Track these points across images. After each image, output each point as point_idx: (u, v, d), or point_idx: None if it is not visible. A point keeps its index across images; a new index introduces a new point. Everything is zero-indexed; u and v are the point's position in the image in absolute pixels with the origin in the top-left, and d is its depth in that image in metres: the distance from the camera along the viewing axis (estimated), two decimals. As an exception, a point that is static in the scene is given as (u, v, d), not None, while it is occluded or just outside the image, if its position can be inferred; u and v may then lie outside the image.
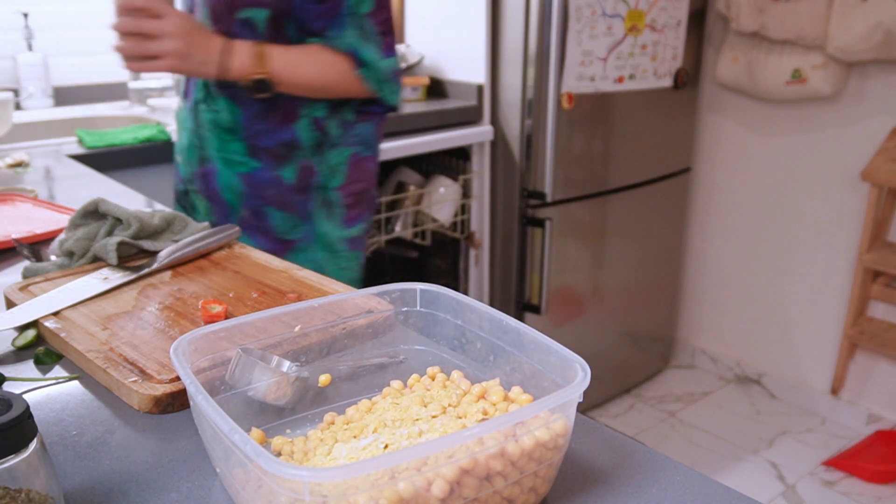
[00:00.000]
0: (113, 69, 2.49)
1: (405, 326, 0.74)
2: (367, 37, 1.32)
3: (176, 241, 1.05)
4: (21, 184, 1.53)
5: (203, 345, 0.64)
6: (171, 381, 0.72)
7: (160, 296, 0.92)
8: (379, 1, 1.33)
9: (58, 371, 0.78)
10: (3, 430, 0.45)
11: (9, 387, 0.75)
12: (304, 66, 1.31)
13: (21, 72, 2.30)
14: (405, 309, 0.73)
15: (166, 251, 1.00)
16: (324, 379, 0.70)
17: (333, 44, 1.32)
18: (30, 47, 2.32)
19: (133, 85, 2.41)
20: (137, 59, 1.24)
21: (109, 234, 1.03)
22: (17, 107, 2.28)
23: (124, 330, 0.83)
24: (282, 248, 1.42)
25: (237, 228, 1.10)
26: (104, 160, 1.84)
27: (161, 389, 0.71)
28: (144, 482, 0.60)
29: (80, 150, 1.86)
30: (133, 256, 1.03)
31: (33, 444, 0.47)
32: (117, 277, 0.95)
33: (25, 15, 2.29)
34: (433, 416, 0.61)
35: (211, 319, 0.84)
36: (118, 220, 1.04)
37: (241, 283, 0.96)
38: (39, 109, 2.33)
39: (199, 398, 0.54)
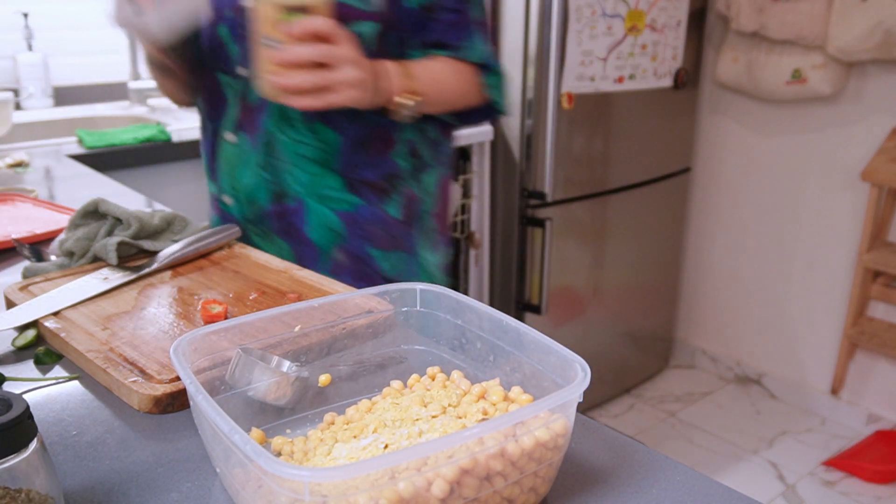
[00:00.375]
0: (113, 69, 2.49)
1: (405, 326, 0.74)
2: (486, 44, 1.23)
3: (176, 241, 1.05)
4: (21, 184, 1.53)
5: (203, 345, 0.64)
6: (171, 381, 0.72)
7: (160, 296, 0.92)
8: (482, 4, 1.24)
9: (58, 371, 0.78)
10: (3, 430, 0.45)
11: (9, 387, 0.75)
12: (444, 81, 1.19)
13: (21, 72, 2.30)
14: (405, 309, 0.73)
15: (166, 251, 1.00)
16: (324, 379, 0.70)
17: (464, 54, 1.20)
18: (30, 47, 2.32)
19: (133, 85, 2.42)
20: (312, 95, 1.01)
21: (109, 234, 1.03)
22: (17, 107, 2.28)
23: (124, 330, 0.83)
24: None
25: (237, 228, 1.10)
26: (104, 160, 1.84)
27: (161, 389, 0.71)
28: (144, 482, 0.60)
29: (80, 150, 1.86)
30: (133, 256, 1.03)
31: (33, 444, 0.47)
32: (117, 277, 0.95)
33: (25, 15, 2.29)
34: (433, 416, 0.61)
35: (211, 319, 0.84)
36: (118, 220, 1.04)
37: (241, 283, 0.96)
38: (39, 109, 2.33)
39: (199, 398, 0.54)
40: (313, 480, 0.47)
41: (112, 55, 2.49)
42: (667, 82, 2.62)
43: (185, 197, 2.00)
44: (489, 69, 1.23)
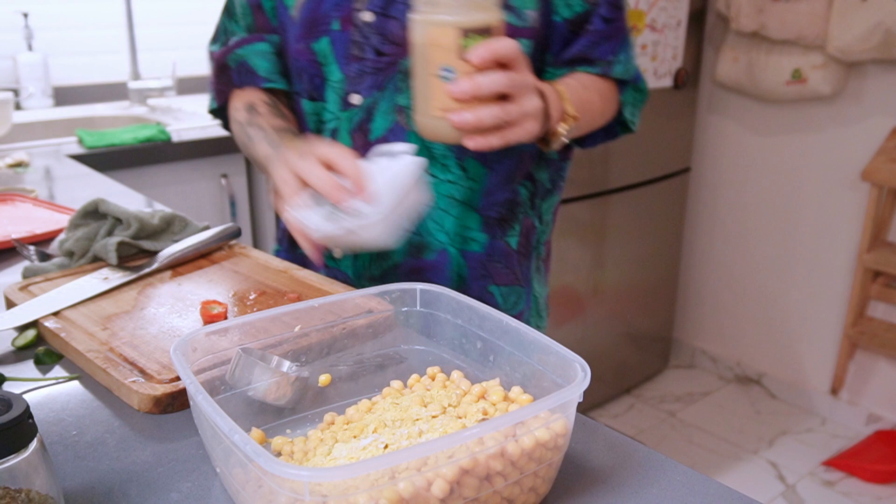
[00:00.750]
0: (113, 69, 2.49)
1: (405, 326, 0.74)
2: (634, 56, 1.10)
3: (176, 241, 1.05)
4: (21, 184, 1.53)
5: (203, 345, 0.64)
6: (171, 381, 0.72)
7: (160, 296, 0.92)
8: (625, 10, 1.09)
9: (58, 371, 0.78)
10: (3, 430, 0.45)
11: (9, 387, 0.75)
12: (590, 102, 1.03)
13: (21, 72, 2.30)
14: (405, 309, 0.73)
15: (166, 251, 1.00)
16: (324, 379, 0.70)
17: (608, 70, 1.04)
18: (30, 47, 2.32)
19: (133, 85, 2.42)
20: (495, 132, 0.83)
21: (109, 234, 1.03)
22: (17, 107, 2.28)
23: (124, 330, 0.83)
24: None
25: (237, 227, 1.09)
26: (104, 160, 1.84)
27: (161, 389, 0.71)
28: (144, 482, 0.60)
29: (80, 150, 1.86)
30: (133, 256, 1.03)
31: (33, 444, 0.47)
32: (117, 277, 0.95)
33: (25, 15, 2.29)
34: (433, 416, 0.61)
35: (211, 319, 0.84)
36: (118, 220, 1.04)
37: (242, 283, 0.96)
38: (39, 109, 2.33)
39: (199, 398, 0.54)
40: (313, 480, 0.47)
41: (112, 55, 2.49)
42: (667, 82, 2.62)
43: (186, 197, 2.00)
44: (631, 85, 1.09)
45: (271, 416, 0.66)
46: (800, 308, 2.83)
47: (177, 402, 0.71)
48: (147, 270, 0.97)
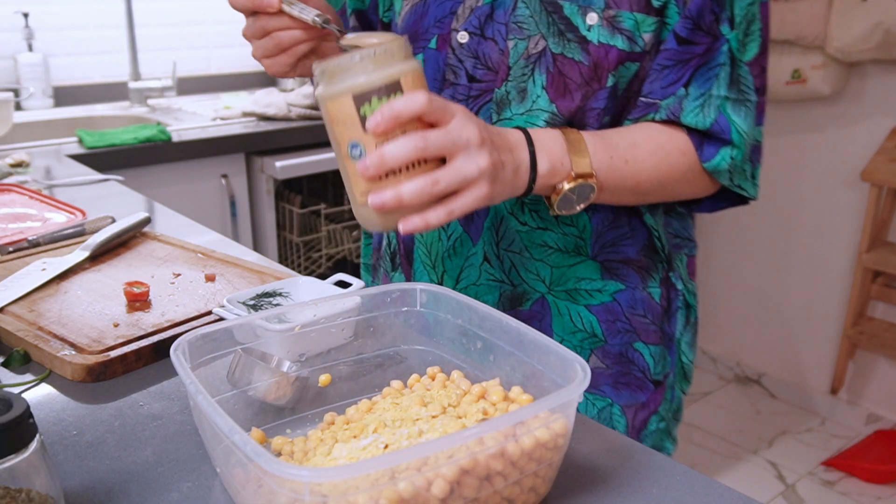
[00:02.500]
0: (113, 69, 2.49)
1: (405, 326, 0.74)
2: (742, 97, 0.85)
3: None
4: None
5: (203, 345, 0.64)
6: (102, 351, 0.77)
7: (82, 281, 0.96)
8: (765, 40, 0.86)
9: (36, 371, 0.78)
10: (4, 430, 0.45)
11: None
12: (638, 159, 0.83)
13: (21, 72, 2.30)
14: (405, 309, 0.73)
15: (89, 241, 1.04)
16: (324, 379, 0.70)
17: (681, 114, 0.84)
18: (30, 47, 2.32)
19: (133, 85, 2.42)
20: (431, 208, 0.68)
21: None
22: (17, 107, 2.28)
23: (51, 311, 0.87)
24: (654, 395, 0.97)
25: (147, 216, 1.12)
26: (104, 160, 1.84)
27: (93, 359, 0.76)
28: (144, 482, 0.60)
29: (80, 150, 1.86)
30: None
31: (33, 444, 0.47)
32: (56, 266, 0.98)
33: (25, 15, 2.29)
34: (433, 416, 0.61)
35: (135, 298, 0.89)
36: None
37: (160, 265, 1.01)
38: (39, 109, 2.33)
39: (199, 398, 0.54)
40: (313, 480, 0.47)
41: (112, 55, 2.49)
42: (667, 82, 2.62)
43: (186, 197, 2.00)
44: (717, 141, 0.85)
45: (271, 416, 0.66)
46: (800, 308, 2.83)
47: (108, 370, 0.76)
48: (84, 257, 1.01)
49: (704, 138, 0.85)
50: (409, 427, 0.59)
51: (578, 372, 0.57)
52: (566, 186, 0.78)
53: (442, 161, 0.69)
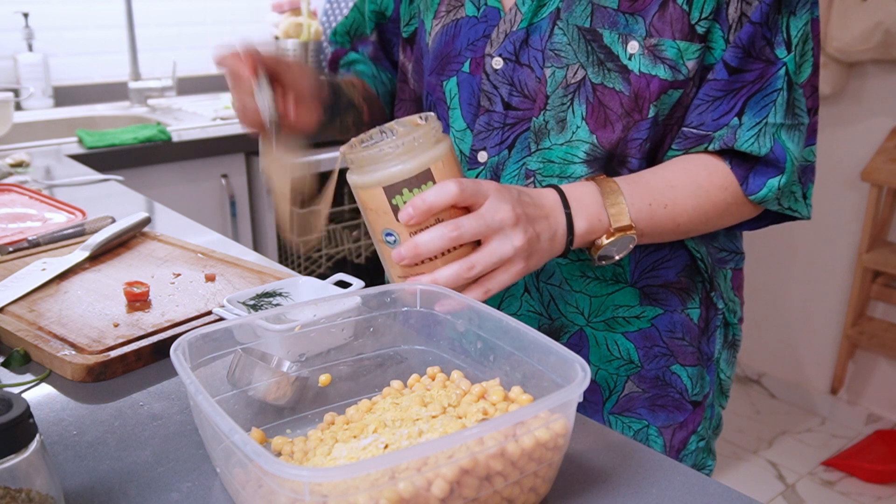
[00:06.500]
0: (113, 69, 2.49)
1: (405, 326, 0.74)
2: (797, 121, 0.82)
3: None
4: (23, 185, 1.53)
5: (203, 345, 0.64)
6: (102, 352, 0.77)
7: (82, 281, 0.96)
8: (817, 58, 0.83)
9: (36, 371, 0.78)
10: (4, 430, 0.45)
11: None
12: (678, 202, 0.81)
13: (21, 72, 2.30)
14: (405, 309, 0.73)
15: (89, 241, 1.04)
16: (324, 379, 0.70)
17: (738, 145, 0.81)
18: (30, 47, 2.32)
19: (133, 85, 2.42)
20: (470, 287, 0.71)
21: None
22: (17, 107, 2.28)
23: (51, 311, 0.87)
24: (692, 416, 0.96)
25: (147, 216, 1.12)
26: (104, 160, 1.84)
27: (93, 359, 0.76)
28: (144, 482, 0.60)
29: (80, 150, 1.86)
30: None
31: (33, 444, 0.47)
32: (56, 266, 0.98)
33: (25, 15, 2.29)
34: (433, 416, 0.61)
35: (135, 298, 0.89)
36: None
37: (160, 265, 1.01)
38: (39, 109, 2.33)
39: (199, 398, 0.54)
40: (313, 480, 0.47)
41: (112, 55, 2.49)
42: (667, 82, 2.62)
43: (186, 197, 2.00)
44: (767, 170, 0.82)
45: (271, 416, 0.66)
46: (800, 308, 2.83)
47: (108, 370, 0.76)
48: (84, 257, 1.01)
49: (750, 169, 0.82)
50: (409, 427, 0.59)
51: (578, 372, 0.57)
52: (605, 242, 0.77)
53: (477, 242, 0.70)
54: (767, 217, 0.90)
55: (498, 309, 0.88)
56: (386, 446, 0.56)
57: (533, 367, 0.63)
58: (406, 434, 0.57)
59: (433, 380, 0.69)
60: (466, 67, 0.89)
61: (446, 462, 0.50)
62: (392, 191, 0.67)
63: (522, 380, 0.65)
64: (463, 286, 0.70)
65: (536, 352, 0.63)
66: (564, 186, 0.77)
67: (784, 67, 0.80)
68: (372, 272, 2.52)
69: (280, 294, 0.87)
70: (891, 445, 2.49)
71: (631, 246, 0.78)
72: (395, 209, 0.68)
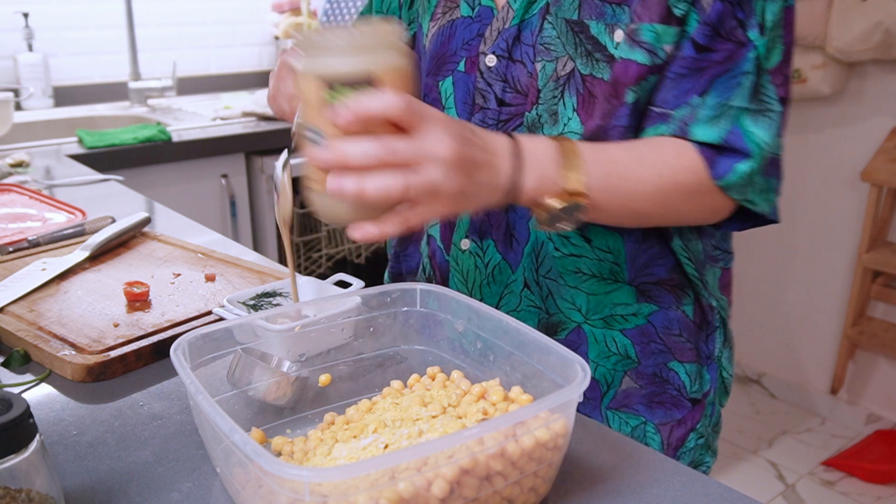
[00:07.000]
0: (113, 69, 2.49)
1: (405, 326, 0.74)
2: (763, 107, 0.80)
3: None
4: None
5: (203, 345, 0.64)
6: (102, 351, 0.78)
7: (82, 281, 0.96)
8: (789, 46, 0.81)
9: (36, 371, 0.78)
10: (4, 430, 0.45)
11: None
12: (642, 178, 0.76)
13: (21, 72, 2.30)
14: (405, 309, 0.73)
15: (89, 241, 1.04)
16: (324, 379, 0.70)
17: (689, 129, 0.78)
18: (30, 47, 2.32)
19: (133, 85, 2.42)
20: (380, 215, 0.64)
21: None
22: (17, 107, 2.28)
23: (51, 311, 0.87)
24: (691, 413, 0.95)
25: (147, 216, 1.12)
26: (104, 160, 1.84)
27: (93, 359, 0.76)
28: (144, 482, 0.60)
29: (80, 150, 1.86)
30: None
31: (33, 444, 0.47)
32: (56, 266, 0.98)
33: (25, 15, 2.29)
34: (433, 416, 0.61)
35: (135, 298, 0.89)
36: None
37: (160, 265, 1.01)
38: (39, 109, 2.33)
39: (199, 398, 0.54)
40: (313, 480, 0.47)
41: (112, 55, 2.49)
42: (667, 82, 2.61)
43: (186, 197, 2.00)
44: (732, 154, 0.79)
45: (271, 416, 0.66)
46: (800, 308, 2.83)
47: (108, 370, 0.76)
48: (84, 257, 1.01)
49: (719, 152, 0.79)
50: (409, 427, 0.59)
51: (578, 372, 0.57)
52: (553, 204, 0.71)
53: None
54: (735, 219, 0.87)
55: (497, 305, 0.90)
56: (386, 446, 0.56)
57: (533, 366, 0.63)
58: (406, 434, 0.57)
59: (433, 380, 0.69)
60: (462, 67, 0.89)
61: (446, 462, 0.50)
62: (327, 83, 0.61)
63: (522, 380, 0.65)
64: (382, 210, 0.63)
65: (536, 352, 0.63)
66: (523, 138, 0.71)
67: (755, 51, 0.77)
68: (372, 272, 2.52)
69: (280, 294, 0.87)
70: (891, 445, 2.49)
71: (579, 216, 0.72)
72: (325, 105, 0.61)
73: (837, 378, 2.70)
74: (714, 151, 0.79)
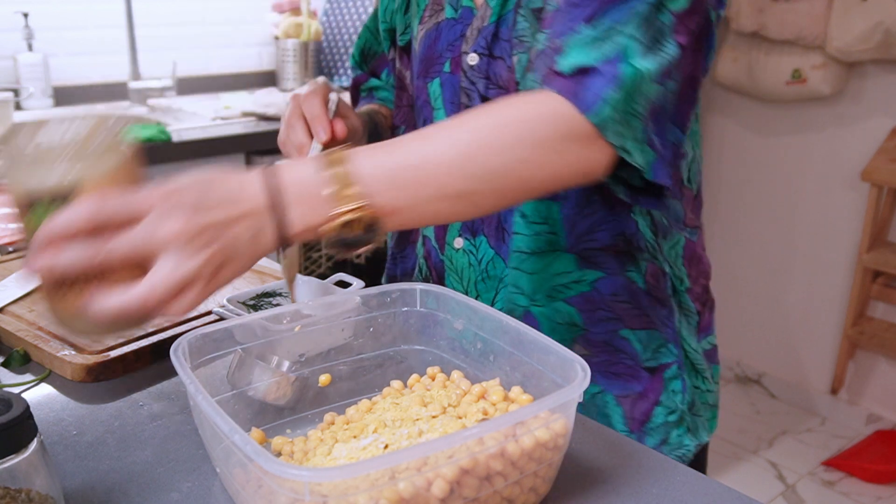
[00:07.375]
0: (113, 69, 2.49)
1: (405, 326, 0.74)
2: (656, 46, 0.68)
3: None
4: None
5: (203, 345, 0.64)
6: (102, 351, 0.78)
7: None
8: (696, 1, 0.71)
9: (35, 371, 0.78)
10: (4, 430, 0.45)
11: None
12: (446, 158, 0.63)
13: (21, 72, 2.30)
14: (405, 309, 0.73)
15: None
16: (324, 379, 0.70)
17: (564, 54, 0.68)
18: (30, 47, 2.31)
19: (133, 85, 2.42)
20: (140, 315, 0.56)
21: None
22: (17, 107, 2.28)
23: None
24: (651, 384, 0.92)
25: None
26: (104, 160, 1.84)
27: (92, 359, 0.76)
28: (144, 482, 0.60)
29: (80, 150, 1.86)
30: None
31: (33, 444, 0.47)
32: None
33: (25, 15, 2.29)
34: (433, 416, 0.61)
35: None
36: None
37: None
38: (39, 109, 2.32)
39: (199, 398, 0.54)
40: (313, 480, 0.47)
41: (112, 55, 2.49)
42: (667, 82, 2.61)
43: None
44: (601, 78, 0.66)
45: (271, 416, 0.66)
46: (800, 308, 2.83)
47: (108, 370, 0.77)
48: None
49: (584, 79, 0.66)
50: (409, 427, 0.59)
51: (578, 372, 0.57)
52: (330, 227, 0.60)
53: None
54: (640, 192, 0.75)
55: (493, 302, 0.90)
56: (386, 446, 0.56)
57: (533, 366, 0.63)
58: (406, 434, 0.57)
59: (433, 380, 0.69)
60: (447, 68, 0.90)
61: (446, 462, 0.50)
62: (27, 201, 0.56)
63: (522, 380, 0.65)
64: (136, 318, 0.56)
65: (536, 352, 0.63)
66: (284, 168, 0.61)
67: None
68: (372, 272, 2.52)
69: (280, 294, 0.87)
70: (891, 445, 2.49)
71: (374, 228, 0.61)
72: (29, 230, 0.56)
73: (837, 378, 2.70)
74: (579, 79, 0.66)
